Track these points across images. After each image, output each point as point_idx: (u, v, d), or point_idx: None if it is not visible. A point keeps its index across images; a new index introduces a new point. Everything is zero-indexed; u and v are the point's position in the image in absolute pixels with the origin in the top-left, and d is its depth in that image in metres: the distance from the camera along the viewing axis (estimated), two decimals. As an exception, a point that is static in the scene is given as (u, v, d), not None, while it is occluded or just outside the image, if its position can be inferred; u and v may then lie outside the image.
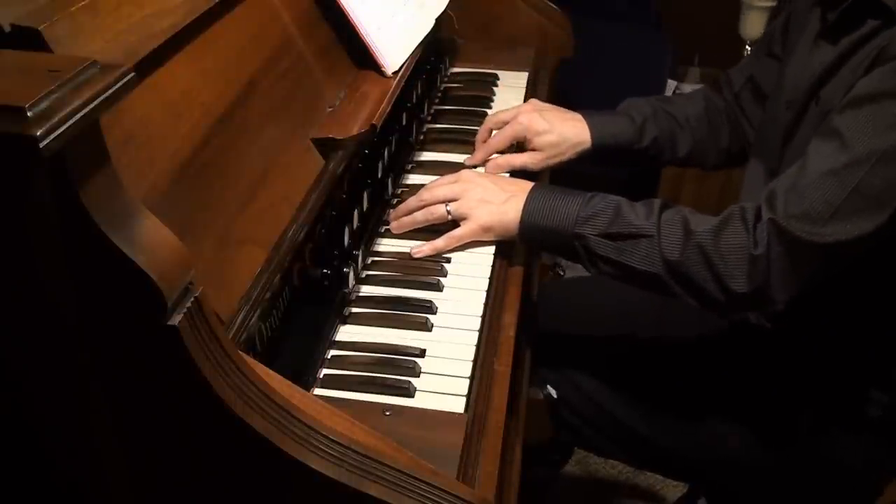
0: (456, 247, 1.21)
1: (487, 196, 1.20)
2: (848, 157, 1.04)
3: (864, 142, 1.04)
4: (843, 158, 1.05)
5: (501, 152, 1.42)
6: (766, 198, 1.10)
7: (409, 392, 0.96)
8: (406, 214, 1.23)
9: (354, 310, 1.09)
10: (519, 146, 1.43)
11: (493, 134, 1.43)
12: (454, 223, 1.21)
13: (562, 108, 1.46)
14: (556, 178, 1.47)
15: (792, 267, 1.08)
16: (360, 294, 1.12)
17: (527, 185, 1.22)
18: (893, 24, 1.06)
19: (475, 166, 1.40)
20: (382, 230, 1.25)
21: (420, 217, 1.22)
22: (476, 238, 1.21)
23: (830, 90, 1.15)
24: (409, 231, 1.24)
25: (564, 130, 1.41)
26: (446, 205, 1.20)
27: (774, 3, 2.52)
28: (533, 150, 1.41)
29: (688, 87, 2.59)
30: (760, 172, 1.30)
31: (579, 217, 1.15)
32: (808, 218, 1.06)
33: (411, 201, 1.24)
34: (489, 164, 1.40)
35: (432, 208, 1.21)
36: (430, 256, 1.19)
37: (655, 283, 1.15)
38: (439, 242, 1.19)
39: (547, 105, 1.47)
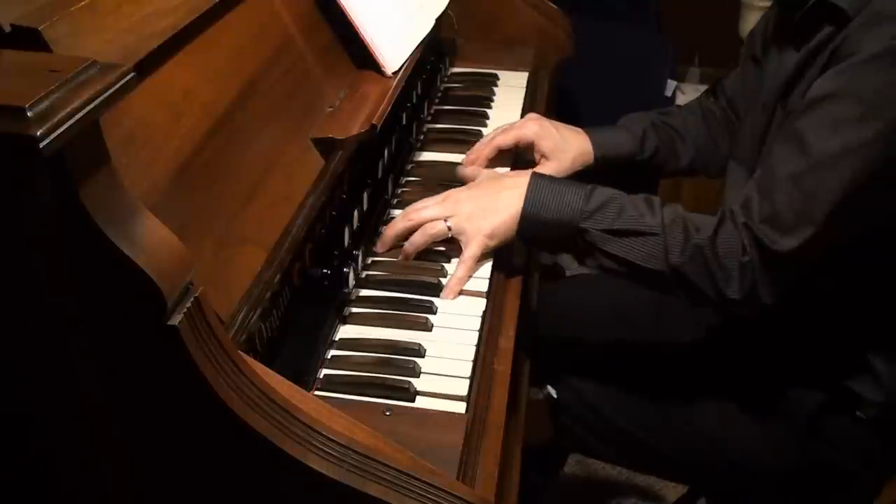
0: (450, 246, 1.19)
1: (479, 204, 1.17)
2: (807, 161, 1.06)
3: (819, 144, 1.06)
4: (802, 163, 1.07)
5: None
6: (742, 203, 1.12)
7: (409, 392, 0.96)
8: (396, 239, 1.18)
9: (354, 310, 1.09)
10: (525, 164, 1.40)
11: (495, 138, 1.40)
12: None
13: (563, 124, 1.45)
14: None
15: (769, 271, 1.10)
16: (360, 294, 1.12)
17: (517, 178, 1.19)
18: (846, 25, 1.07)
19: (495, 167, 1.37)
20: (382, 230, 1.25)
21: (419, 239, 1.16)
22: (484, 250, 1.16)
23: (795, 95, 1.17)
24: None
25: (569, 139, 1.40)
26: (445, 221, 1.17)
27: (774, 4, 2.53)
28: (544, 158, 1.38)
29: (688, 87, 2.59)
30: (741, 174, 1.31)
31: (583, 211, 1.14)
32: (773, 223, 1.08)
33: (398, 226, 1.18)
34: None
35: (430, 226, 1.16)
36: (430, 257, 1.18)
37: (656, 279, 1.15)
38: (460, 272, 1.14)
39: (550, 120, 1.46)
